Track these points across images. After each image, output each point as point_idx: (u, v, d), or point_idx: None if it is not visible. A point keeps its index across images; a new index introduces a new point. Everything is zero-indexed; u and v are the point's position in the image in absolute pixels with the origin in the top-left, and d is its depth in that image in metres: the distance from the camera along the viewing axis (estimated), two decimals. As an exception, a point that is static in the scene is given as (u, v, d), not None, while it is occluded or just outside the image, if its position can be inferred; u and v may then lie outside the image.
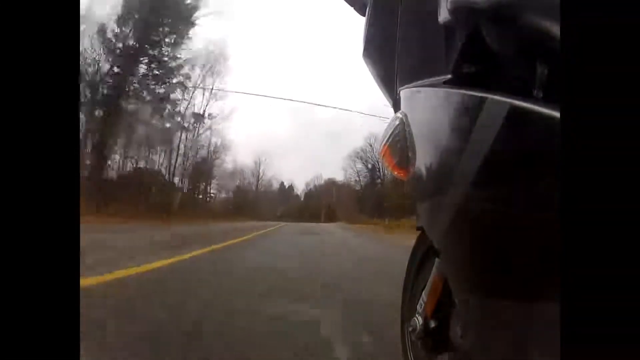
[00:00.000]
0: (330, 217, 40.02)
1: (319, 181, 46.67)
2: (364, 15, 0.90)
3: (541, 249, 0.37)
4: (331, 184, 43.72)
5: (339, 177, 43.09)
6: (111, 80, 16.57)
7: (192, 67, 19.24)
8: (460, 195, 0.48)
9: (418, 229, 0.79)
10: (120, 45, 16.80)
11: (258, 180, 42.55)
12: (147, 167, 19.98)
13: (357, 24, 0.98)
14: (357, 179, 36.18)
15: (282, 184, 46.31)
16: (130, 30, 16.83)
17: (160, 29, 17.73)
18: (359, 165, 34.19)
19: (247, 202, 39.44)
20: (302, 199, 47.32)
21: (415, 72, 0.66)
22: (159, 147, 19.63)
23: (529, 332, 0.39)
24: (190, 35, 18.43)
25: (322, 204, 43.82)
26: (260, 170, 42.44)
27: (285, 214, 42.84)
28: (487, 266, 0.46)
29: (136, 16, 16.74)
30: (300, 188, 47.91)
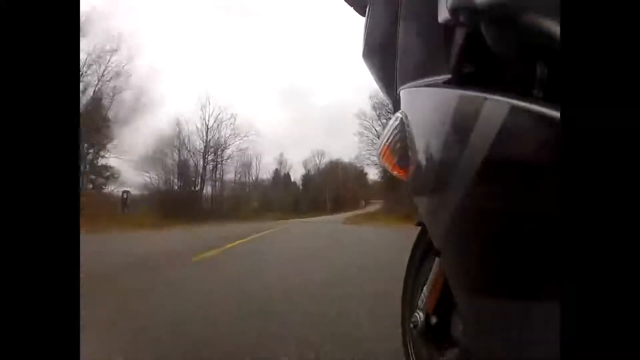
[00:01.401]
0: (338, 206, 33.22)
1: (321, 159, 36.95)
2: (364, 15, 0.90)
3: (541, 249, 0.37)
4: (335, 165, 36.48)
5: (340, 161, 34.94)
6: None
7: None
8: (460, 195, 0.48)
9: (418, 224, 0.79)
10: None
11: (207, 141, 23.66)
12: None
13: (357, 24, 0.98)
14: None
15: (276, 171, 36.59)
16: None
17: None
18: (378, 126, 20.40)
19: (187, 192, 21.87)
20: (300, 188, 38.75)
21: (415, 72, 0.66)
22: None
23: (529, 332, 0.39)
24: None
25: (326, 189, 35.46)
26: (211, 119, 23.88)
27: (269, 207, 29.14)
28: (487, 266, 0.46)
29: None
30: (298, 174, 39.01)
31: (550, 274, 0.35)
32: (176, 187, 23.22)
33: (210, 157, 25.16)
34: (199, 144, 24.62)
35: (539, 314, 0.38)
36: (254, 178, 32.82)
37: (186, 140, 24.15)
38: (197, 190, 24.07)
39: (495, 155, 0.42)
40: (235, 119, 26.00)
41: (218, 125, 25.23)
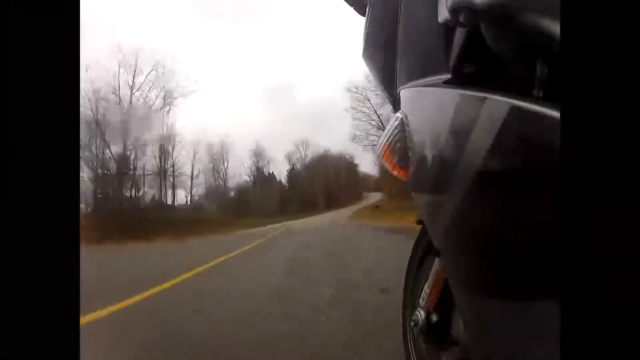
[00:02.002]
0: (333, 202, 29.47)
1: (306, 150, 32.01)
2: (364, 15, 0.90)
3: (541, 249, 0.37)
4: (324, 157, 32.30)
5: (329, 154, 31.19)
6: None
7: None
8: (460, 195, 0.48)
9: (418, 222, 0.79)
10: None
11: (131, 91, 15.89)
12: None
13: (357, 24, 0.98)
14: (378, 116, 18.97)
15: (258, 170, 30.02)
16: None
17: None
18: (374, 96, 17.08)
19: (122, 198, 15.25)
20: (286, 186, 33.32)
21: (415, 72, 0.66)
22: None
23: (529, 332, 0.39)
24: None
25: (315, 184, 30.81)
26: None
27: (248, 210, 22.20)
28: (487, 266, 0.46)
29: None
30: (282, 168, 33.61)
31: (550, 274, 0.35)
32: (108, 192, 15.45)
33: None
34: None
35: (539, 314, 0.38)
36: (223, 175, 24.59)
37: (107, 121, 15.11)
38: (136, 195, 16.52)
39: (495, 155, 0.42)
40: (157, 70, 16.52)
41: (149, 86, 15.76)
